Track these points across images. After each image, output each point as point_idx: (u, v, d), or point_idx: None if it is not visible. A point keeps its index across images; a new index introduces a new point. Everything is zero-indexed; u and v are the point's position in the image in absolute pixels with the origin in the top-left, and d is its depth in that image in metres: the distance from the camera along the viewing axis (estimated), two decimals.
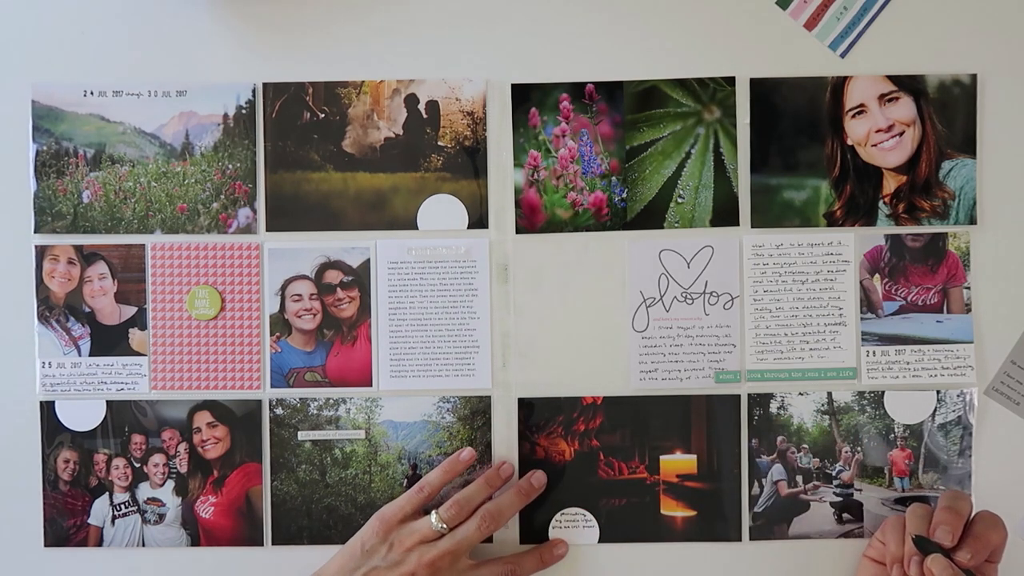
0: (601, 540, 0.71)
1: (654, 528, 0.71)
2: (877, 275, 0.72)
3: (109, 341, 0.72)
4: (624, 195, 0.71)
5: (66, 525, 0.72)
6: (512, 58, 0.71)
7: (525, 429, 0.71)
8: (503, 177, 0.72)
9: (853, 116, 0.71)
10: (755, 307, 0.72)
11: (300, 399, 0.72)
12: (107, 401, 0.72)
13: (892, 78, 0.71)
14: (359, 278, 0.72)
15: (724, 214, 0.71)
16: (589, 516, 0.71)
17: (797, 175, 0.71)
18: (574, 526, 0.71)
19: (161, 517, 0.72)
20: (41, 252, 0.72)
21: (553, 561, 0.69)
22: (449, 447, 0.71)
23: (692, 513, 0.71)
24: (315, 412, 0.72)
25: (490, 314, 0.72)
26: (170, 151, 0.72)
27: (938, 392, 0.71)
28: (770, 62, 0.71)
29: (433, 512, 0.66)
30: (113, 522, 0.72)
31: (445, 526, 0.66)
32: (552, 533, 0.71)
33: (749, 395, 0.71)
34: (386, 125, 0.72)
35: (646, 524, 0.71)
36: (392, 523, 0.66)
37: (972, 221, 0.71)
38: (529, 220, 0.71)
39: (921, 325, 0.71)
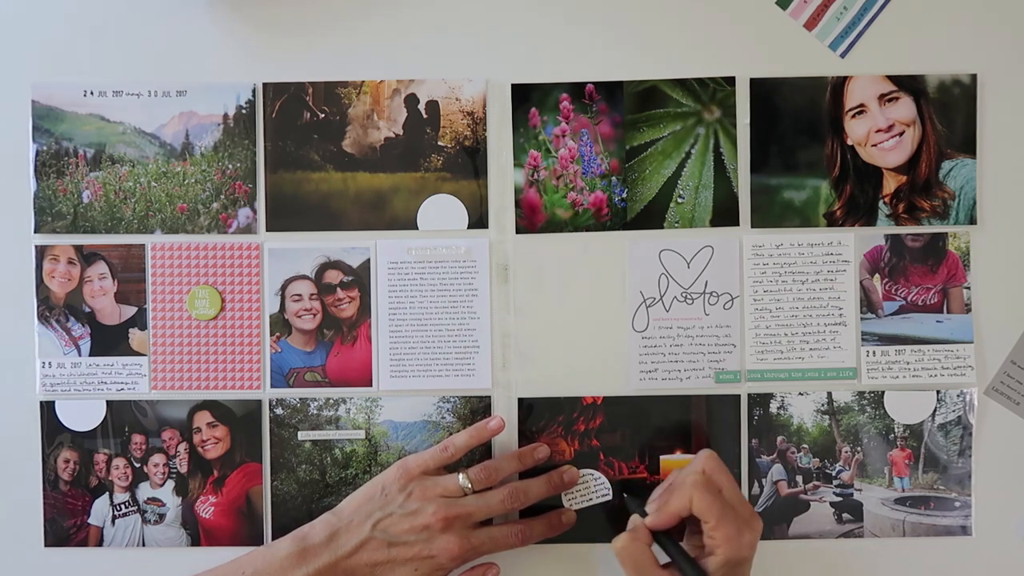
0: (601, 539, 0.71)
1: None
2: (877, 275, 0.72)
3: (109, 341, 0.72)
4: (624, 195, 0.71)
5: (66, 525, 0.72)
6: (512, 58, 0.71)
7: (525, 429, 0.71)
8: (503, 177, 0.72)
9: (853, 116, 0.71)
10: (755, 307, 0.72)
11: (300, 399, 0.72)
12: (107, 401, 0.72)
13: (892, 78, 0.71)
14: (359, 278, 0.72)
15: (724, 214, 0.71)
16: (599, 476, 0.71)
17: (797, 175, 0.71)
18: (587, 490, 0.71)
19: (161, 517, 0.72)
20: (41, 252, 0.72)
21: (562, 528, 0.69)
22: None
23: None
24: (315, 412, 0.72)
25: (490, 314, 0.72)
26: (170, 151, 0.72)
27: (938, 392, 0.71)
28: (770, 62, 0.71)
29: (462, 472, 0.66)
30: (113, 522, 0.72)
31: (471, 486, 0.66)
32: (565, 499, 0.71)
33: (749, 395, 0.72)
34: (386, 125, 0.72)
35: None
36: (413, 475, 0.66)
37: (972, 221, 0.71)
38: (529, 220, 0.71)
39: (921, 325, 0.71)
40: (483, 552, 0.66)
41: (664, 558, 0.62)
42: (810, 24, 0.71)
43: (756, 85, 0.71)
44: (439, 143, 0.72)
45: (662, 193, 0.71)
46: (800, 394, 0.72)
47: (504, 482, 0.68)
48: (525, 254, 0.72)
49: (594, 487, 0.71)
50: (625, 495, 0.69)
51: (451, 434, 0.71)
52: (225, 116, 0.71)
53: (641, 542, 0.63)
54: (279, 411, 0.72)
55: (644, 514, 0.64)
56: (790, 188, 0.71)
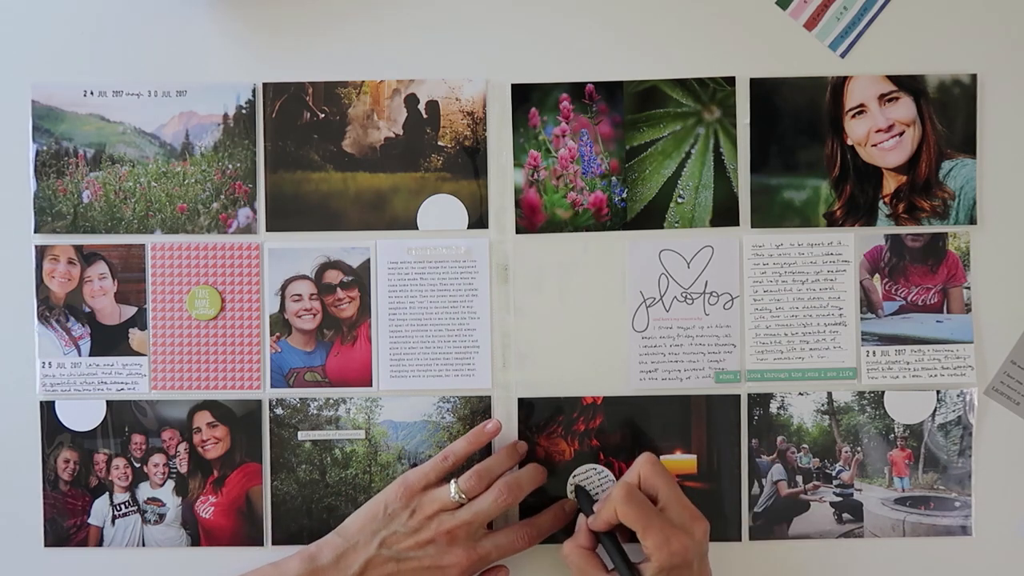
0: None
1: None
2: (877, 275, 0.72)
3: (109, 341, 0.72)
4: (624, 195, 0.71)
5: (66, 525, 0.72)
6: (512, 58, 0.71)
7: (525, 429, 0.71)
8: (503, 177, 0.72)
9: (853, 116, 0.71)
10: (755, 307, 0.72)
11: (300, 399, 0.72)
12: (107, 401, 0.72)
13: (892, 78, 0.71)
14: (359, 278, 0.72)
15: (724, 214, 0.71)
16: (603, 470, 0.71)
17: (797, 175, 0.71)
18: (592, 486, 0.71)
19: (161, 517, 0.72)
20: (41, 252, 0.72)
21: (567, 519, 0.70)
22: None
23: None
24: (315, 412, 0.72)
25: (490, 314, 0.72)
26: (170, 151, 0.72)
27: (938, 392, 0.71)
28: (770, 62, 0.71)
29: (453, 482, 0.66)
30: (113, 522, 0.72)
31: (464, 496, 0.66)
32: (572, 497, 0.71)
33: (749, 395, 0.72)
34: (386, 125, 0.72)
35: None
36: (415, 490, 0.67)
37: (972, 221, 0.71)
38: (529, 220, 0.71)
39: (921, 325, 0.71)
40: (493, 559, 0.67)
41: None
42: (810, 24, 0.71)
43: (756, 85, 0.71)
44: (439, 143, 0.72)
45: (662, 193, 0.71)
46: (800, 394, 0.72)
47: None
48: (525, 254, 0.72)
49: (599, 482, 0.71)
50: (575, 487, 0.70)
51: (451, 434, 0.71)
52: (225, 116, 0.71)
53: (584, 547, 0.65)
54: (279, 411, 0.72)
55: (591, 512, 0.66)
56: (790, 188, 0.71)
